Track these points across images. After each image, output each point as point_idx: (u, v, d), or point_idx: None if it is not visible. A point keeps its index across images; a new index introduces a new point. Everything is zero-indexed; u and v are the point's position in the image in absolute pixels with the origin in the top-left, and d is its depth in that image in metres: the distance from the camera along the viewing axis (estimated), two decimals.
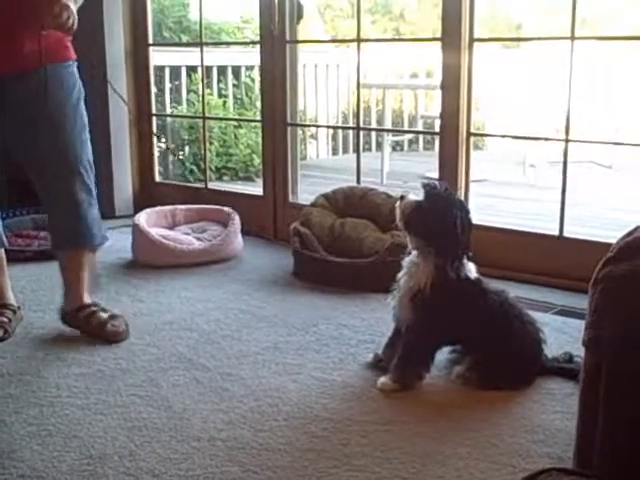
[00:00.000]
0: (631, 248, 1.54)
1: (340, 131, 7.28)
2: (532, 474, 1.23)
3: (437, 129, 3.84)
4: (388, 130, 6.86)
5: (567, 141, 3.32)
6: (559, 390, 2.30)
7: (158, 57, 4.94)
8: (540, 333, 2.38)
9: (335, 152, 7.22)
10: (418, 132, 7.56)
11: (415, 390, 2.31)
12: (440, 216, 2.26)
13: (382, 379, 2.33)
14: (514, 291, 2.48)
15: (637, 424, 1.43)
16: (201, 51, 4.49)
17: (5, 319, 2.76)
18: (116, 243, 3.78)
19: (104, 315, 2.76)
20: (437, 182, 2.38)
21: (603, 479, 1.22)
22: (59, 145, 2.60)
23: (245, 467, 1.89)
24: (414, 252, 2.36)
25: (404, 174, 6.22)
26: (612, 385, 1.45)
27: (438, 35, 3.50)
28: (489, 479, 1.84)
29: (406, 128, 7.40)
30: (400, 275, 2.39)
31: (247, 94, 6.63)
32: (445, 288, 2.28)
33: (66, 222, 2.71)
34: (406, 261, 2.39)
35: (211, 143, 5.87)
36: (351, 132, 7.01)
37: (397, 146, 7.42)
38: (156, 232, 3.71)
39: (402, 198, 2.33)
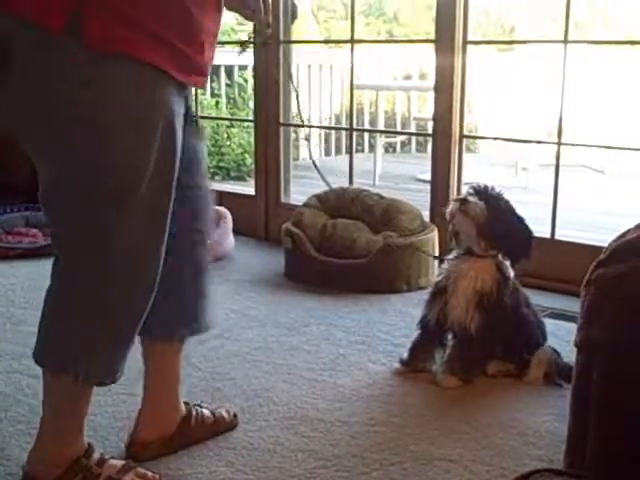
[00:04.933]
0: (623, 250, 1.55)
1: (333, 132, 7.27)
2: (523, 474, 1.23)
3: (430, 131, 3.84)
4: (381, 131, 6.87)
5: (559, 144, 3.32)
6: (549, 392, 2.30)
7: None
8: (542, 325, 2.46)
9: (328, 153, 7.22)
10: (411, 134, 7.57)
11: (406, 392, 2.31)
12: (510, 219, 2.32)
13: (443, 377, 2.34)
14: None
15: (629, 425, 1.44)
16: None
17: None
18: None
19: None
20: (485, 184, 2.36)
21: None
22: None
23: (234, 467, 1.89)
24: (458, 252, 2.38)
25: (396, 176, 6.23)
26: (604, 386, 1.46)
27: (432, 37, 3.50)
28: None
29: (399, 130, 7.40)
30: (447, 276, 2.37)
31: (240, 94, 6.62)
32: (506, 288, 2.33)
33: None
34: (455, 262, 2.39)
35: None
36: (344, 133, 7.00)
37: (390, 148, 7.42)
38: None
39: (465, 201, 2.30)
